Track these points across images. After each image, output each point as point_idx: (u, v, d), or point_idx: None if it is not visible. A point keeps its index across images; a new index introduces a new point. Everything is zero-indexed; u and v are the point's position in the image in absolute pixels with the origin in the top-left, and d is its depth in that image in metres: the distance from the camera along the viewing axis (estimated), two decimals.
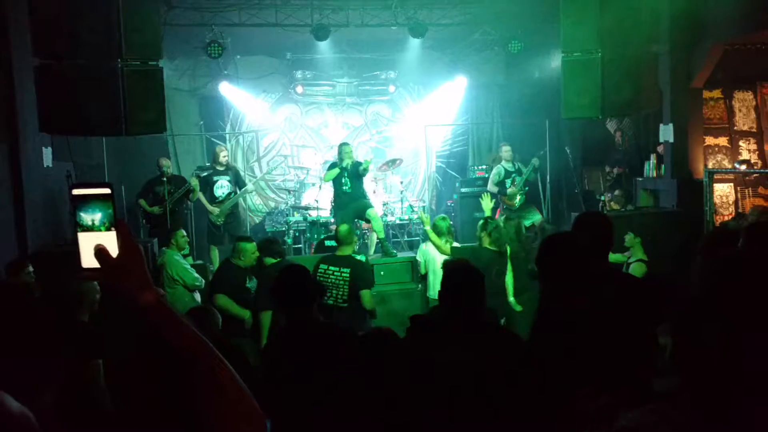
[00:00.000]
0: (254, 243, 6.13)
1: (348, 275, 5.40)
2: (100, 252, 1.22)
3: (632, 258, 6.32)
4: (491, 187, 9.57)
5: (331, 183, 8.44)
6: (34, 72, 5.95)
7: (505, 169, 9.50)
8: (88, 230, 1.24)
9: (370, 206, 8.32)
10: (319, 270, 5.51)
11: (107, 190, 1.24)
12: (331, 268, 5.51)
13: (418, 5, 9.58)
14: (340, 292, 5.39)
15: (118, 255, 1.23)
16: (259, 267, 6.06)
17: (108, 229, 1.24)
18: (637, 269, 6.14)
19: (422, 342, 2.82)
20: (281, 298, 3.31)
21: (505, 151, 9.60)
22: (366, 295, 5.41)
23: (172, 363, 1.23)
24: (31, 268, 4.99)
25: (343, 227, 5.90)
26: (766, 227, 3.75)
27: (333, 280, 5.43)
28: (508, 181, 9.45)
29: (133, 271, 1.22)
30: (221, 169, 8.84)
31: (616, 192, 8.95)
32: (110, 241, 1.23)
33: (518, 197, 9.41)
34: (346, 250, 5.69)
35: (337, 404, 2.26)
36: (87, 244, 1.23)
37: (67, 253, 6.24)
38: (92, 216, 1.24)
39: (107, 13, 5.87)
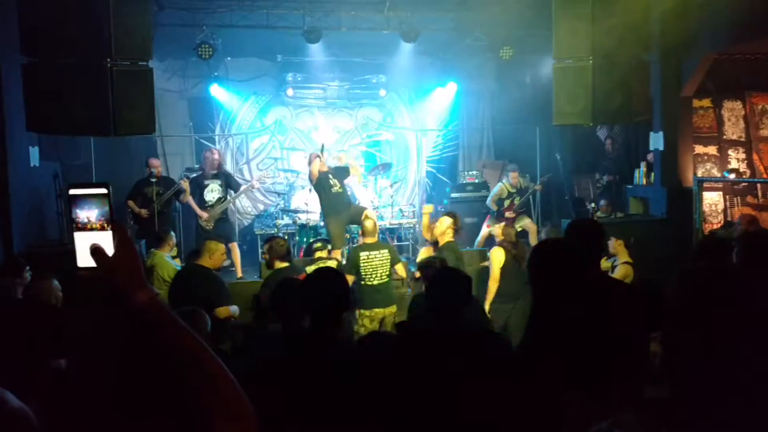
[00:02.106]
0: (224, 245, 6.08)
1: (388, 254, 6.47)
2: (96, 251, 1.23)
3: (618, 261, 6.32)
4: (491, 204, 9.55)
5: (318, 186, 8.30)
6: (21, 70, 5.87)
7: (509, 191, 9.48)
8: (84, 229, 1.25)
9: (365, 209, 8.31)
10: (361, 258, 6.38)
11: (104, 190, 1.26)
12: (372, 253, 6.44)
13: (410, 10, 9.58)
14: (384, 270, 6.40)
15: (114, 254, 1.24)
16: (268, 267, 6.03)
17: (104, 229, 1.25)
18: (622, 270, 6.15)
19: (412, 349, 2.79)
20: (317, 301, 3.01)
21: (514, 177, 9.54)
22: (400, 267, 6.68)
23: (166, 360, 1.22)
24: (28, 268, 4.92)
25: (369, 222, 6.73)
26: (759, 237, 3.76)
27: (377, 263, 6.41)
28: (507, 202, 9.45)
29: (128, 270, 1.24)
30: (212, 172, 8.68)
31: (602, 202, 8.97)
32: (106, 240, 1.25)
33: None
34: (373, 239, 6.61)
35: (332, 413, 2.23)
36: (83, 243, 1.25)
37: (53, 253, 6.18)
38: (88, 215, 1.25)
39: (97, 12, 5.81)
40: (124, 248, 1.24)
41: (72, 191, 1.26)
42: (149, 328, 1.23)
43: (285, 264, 5.86)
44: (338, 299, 3.03)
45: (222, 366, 1.27)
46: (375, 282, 6.36)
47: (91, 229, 1.25)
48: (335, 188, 8.10)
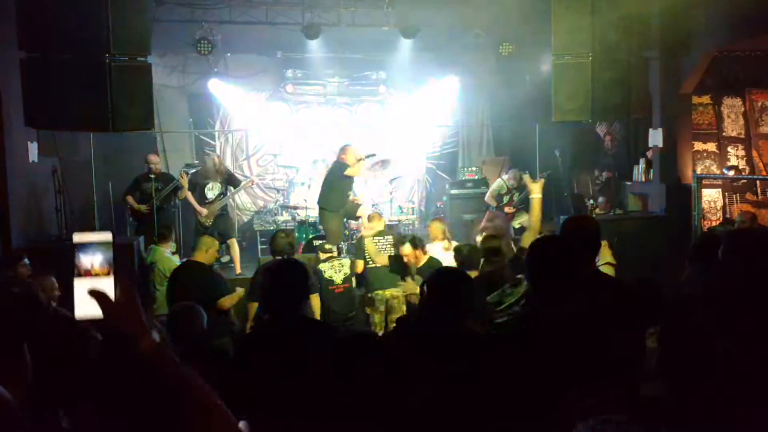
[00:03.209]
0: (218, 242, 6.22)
1: (392, 240, 6.97)
2: (99, 294, 1.22)
3: (600, 261, 6.28)
4: (490, 200, 9.55)
5: (330, 180, 8.17)
6: (20, 65, 5.87)
7: (508, 187, 9.49)
8: (86, 275, 1.24)
9: (359, 204, 8.33)
10: (366, 242, 6.83)
11: (108, 237, 1.26)
12: (377, 237, 6.95)
13: (410, 6, 9.56)
14: (389, 255, 6.82)
15: (117, 299, 1.24)
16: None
17: (107, 274, 1.25)
18: (605, 271, 6.11)
19: (404, 346, 2.78)
20: (273, 292, 3.27)
21: (513, 177, 9.53)
22: (406, 247, 6.67)
23: (166, 401, 1.25)
24: (26, 261, 4.92)
25: (375, 213, 7.41)
26: (746, 235, 3.76)
27: (382, 246, 6.94)
28: (506, 198, 9.46)
29: (131, 315, 1.24)
30: (213, 171, 8.69)
31: (600, 199, 8.96)
32: (108, 286, 1.24)
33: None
34: (379, 226, 7.08)
35: (314, 402, 2.24)
36: (82, 291, 1.23)
37: (52, 249, 6.18)
38: (92, 259, 1.24)
39: (95, 7, 5.80)
40: (126, 294, 1.25)
41: (76, 238, 1.25)
42: (152, 373, 1.24)
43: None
44: (293, 289, 3.25)
45: (220, 403, 1.29)
46: (379, 265, 6.76)
47: (94, 275, 1.24)
48: (348, 189, 8.15)
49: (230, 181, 8.81)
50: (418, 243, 6.29)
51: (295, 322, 3.23)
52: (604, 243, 6.26)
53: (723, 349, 2.94)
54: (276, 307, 3.29)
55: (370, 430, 2.15)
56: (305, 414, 2.32)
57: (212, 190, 8.62)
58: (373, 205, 9.76)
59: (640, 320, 3.09)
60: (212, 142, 11.23)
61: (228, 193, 8.81)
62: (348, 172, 7.95)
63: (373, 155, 8.70)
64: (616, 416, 1.51)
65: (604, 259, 6.23)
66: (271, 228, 9.48)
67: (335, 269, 6.71)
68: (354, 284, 6.90)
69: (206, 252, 5.81)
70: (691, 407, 2.95)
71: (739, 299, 3.05)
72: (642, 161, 8.90)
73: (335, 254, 6.99)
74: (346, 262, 6.90)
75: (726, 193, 8.92)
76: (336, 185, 8.00)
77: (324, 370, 2.26)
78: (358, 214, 8.18)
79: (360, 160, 8.01)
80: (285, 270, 3.39)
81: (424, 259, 6.25)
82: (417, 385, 2.49)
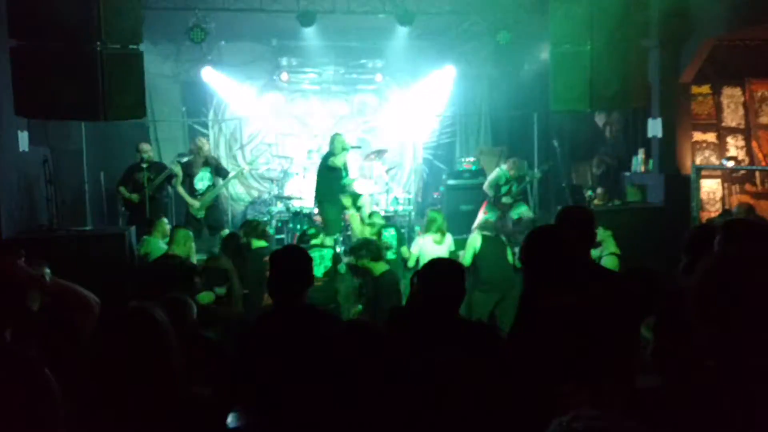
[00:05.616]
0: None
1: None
2: None
3: (605, 251, 6.28)
4: (488, 189, 9.48)
5: (318, 172, 8.21)
6: (10, 53, 5.78)
7: (506, 177, 9.40)
8: None
9: (360, 195, 8.29)
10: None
11: None
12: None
13: None
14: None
15: None
16: (247, 249, 6.31)
17: None
18: (609, 262, 6.11)
19: (400, 337, 2.74)
20: (276, 280, 3.22)
21: (512, 168, 9.44)
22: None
23: None
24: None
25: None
26: (742, 225, 3.70)
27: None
28: (504, 188, 9.37)
29: None
30: (202, 161, 8.60)
31: (599, 190, 8.90)
32: None
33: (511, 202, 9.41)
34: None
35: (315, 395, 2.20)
36: None
37: (43, 239, 6.11)
38: None
39: None
40: None
41: None
42: None
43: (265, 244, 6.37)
44: (300, 276, 3.18)
45: None
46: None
47: None
48: (338, 179, 8.20)
49: (219, 171, 8.72)
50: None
51: (297, 312, 3.17)
52: (608, 233, 6.26)
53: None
54: (279, 295, 3.23)
55: (368, 420, 2.12)
56: (303, 404, 2.29)
57: (202, 181, 8.54)
58: (369, 195, 9.67)
59: (634, 310, 3.05)
60: (205, 131, 11.13)
61: (219, 183, 8.72)
62: (329, 162, 8.09)
63: (358, 147, 8.78)
64: (586, 412, 1.47)
65: (608, 249, 6.22)
66: (266, 218, 9.42)
67: (315, 261, 6.55)
68: (338, 275, 6.66)
69: (183, 245, 5.85)
70: (686, 398, 2.91)
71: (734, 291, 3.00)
72: (641, 151, 8.84)
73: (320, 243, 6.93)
74: (328, 254, 6.71)
75: (725, 184, 8.88)
76: (323, 176, 8.11)
77: (322, 361, 2.22)
78: (360, 203, 8.17)
79: (345, 150, 8.08)
80: (289, 257, 3.33)
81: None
82: (413, 374, 2.45)
